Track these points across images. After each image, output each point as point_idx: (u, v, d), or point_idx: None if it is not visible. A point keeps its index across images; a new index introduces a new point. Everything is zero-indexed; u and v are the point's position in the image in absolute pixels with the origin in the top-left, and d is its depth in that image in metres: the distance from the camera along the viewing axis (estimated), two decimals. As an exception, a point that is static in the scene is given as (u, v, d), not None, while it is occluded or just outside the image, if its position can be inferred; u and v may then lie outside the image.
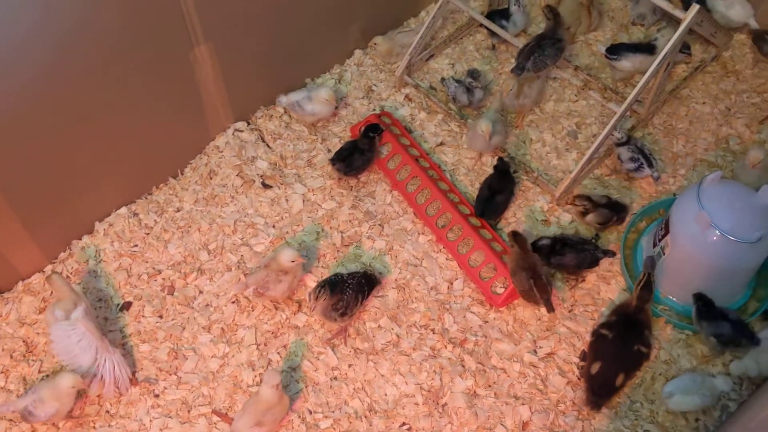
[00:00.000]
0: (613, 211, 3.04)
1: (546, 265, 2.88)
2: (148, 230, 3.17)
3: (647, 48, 3.38)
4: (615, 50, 3.42)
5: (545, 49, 3.07)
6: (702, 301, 2.71)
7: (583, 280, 2.99)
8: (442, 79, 3.50)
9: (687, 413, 2.66)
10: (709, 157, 3.34)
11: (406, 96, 3.62)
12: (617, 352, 2.56)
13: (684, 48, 3.39)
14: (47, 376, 2.76)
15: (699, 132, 3.44)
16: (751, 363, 2.66)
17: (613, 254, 2.94)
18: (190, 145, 3.36)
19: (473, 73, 3.55)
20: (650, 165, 3.15)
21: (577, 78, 3.52)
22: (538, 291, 2.76)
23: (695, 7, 2.81)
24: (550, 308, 2.80)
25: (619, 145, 3.16)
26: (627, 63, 3.39)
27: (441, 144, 3.45)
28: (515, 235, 2.81)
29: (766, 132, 3.39)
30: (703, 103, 3.52)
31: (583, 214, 3.04)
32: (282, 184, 3.29)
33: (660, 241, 2.82)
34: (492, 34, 3.61)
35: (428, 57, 3.70)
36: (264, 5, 3.10)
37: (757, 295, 2.91)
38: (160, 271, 3.05)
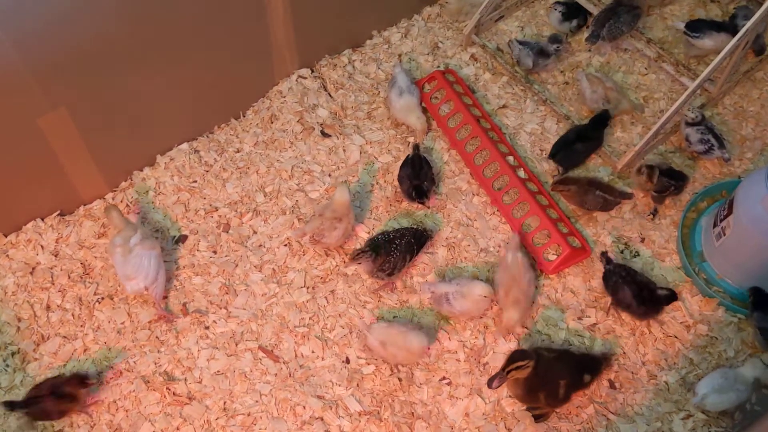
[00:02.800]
0: (672, 179, 2.97)
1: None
2: (208, 168, 3.22)
3: (731, 27, 3.26)
4: (696, 27, 3.31)
5: (621, 16, 3.00)
6: (758, 294, 2.64)
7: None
8: (509, 42, 3.45)
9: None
10: (786, 141, 3.25)
11: (472, 56, 3.58)
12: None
13: (759, 49, 3.30)
14: (102, 299, 2.86)
15: (771, 116, 3.34)
16: None
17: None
18: (255, 87, 3.39)
19: (556, 38, 3.46)
20: (721, 146, 3.06)
21: (649, 50, 3.43)
22: (612, 195, 2.92)
23: (783, -17, 2.71)
24: (627, 195, 2.97)
25: (689, 125, 3.08)
26: (709, 41, 3.27)
27: (503, 107, 3.41)
28: (565, 170, 3.05)
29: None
30: (773, 87, 3.41)
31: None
32: (341, 134, 3.30)
33: (721, 221, 2.76)
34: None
35: (498, 18, 3.64)
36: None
37: (815, 284, 2.84)
38: (216, 209, 3.10)
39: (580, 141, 3.11)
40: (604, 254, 2.78)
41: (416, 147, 3.03)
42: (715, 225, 2.82)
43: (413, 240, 2.82)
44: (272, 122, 3.35)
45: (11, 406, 2.49)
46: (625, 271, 2.73)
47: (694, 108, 3.07)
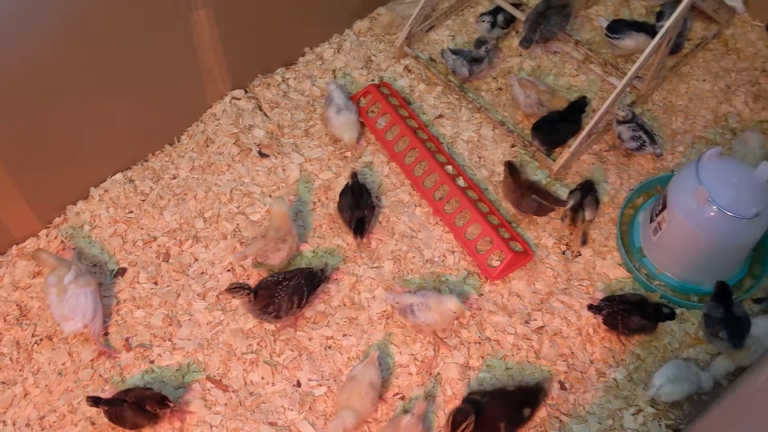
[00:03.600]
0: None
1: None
2: (144, 197, 3.15)
3: (649, 27, 3.34)
4: (616, 28, 3.38)
5: (551, 18, 3.02)
6: (722, 288, 2.63)
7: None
8: (442, 52, 3.47)
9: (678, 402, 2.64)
10: (707, 135, 3.33)
11: (406, 67, 3.59)
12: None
13: (675, 47, 3.38)
14: (41, 340, 2.76)
15: (698, 109, 3.43)
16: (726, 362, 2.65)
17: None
18: (188, 112, 3.33)
19: (481, 43, 3.48)
20: (653, 142, 3.13)
21: (578, 52, 3.49)
22: (547, 201, 2.98)
23: (699, -19, 2.79)
24: (562, 202, 3.01)
25: (620, 123, 3.15)
26: (630, 42, 3.36)
27: (440, 116, 3.43)
28: (511, 167, 3.03)
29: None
30: (704, 80, 3.50)
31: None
32: (279, 154, 3.27)
33: (657, 216, 2.82)
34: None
35: (429, 28, 3.66)
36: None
37: (753, 272, 2.92)
38: (155, 238, 3.04)
39: (561, 122, 3.20)
40: (590, 307, 2.76)
41: (354, 175, 2.99)
42: (651, 220, 2.88)
43: (304, 282, 2.71)
44: (208, 146, 3.30)
45: (96, 401, 2.47)
46: (619, 303, 2.72)
47: (624, 106, 3.13)
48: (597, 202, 3.02)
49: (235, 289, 2.58)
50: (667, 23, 2.91)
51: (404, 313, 2.71)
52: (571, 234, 3.01)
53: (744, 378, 2.35)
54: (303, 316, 2.81)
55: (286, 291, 2.65)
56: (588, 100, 3.28)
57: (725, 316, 2.54)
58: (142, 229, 3.06)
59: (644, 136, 3.13)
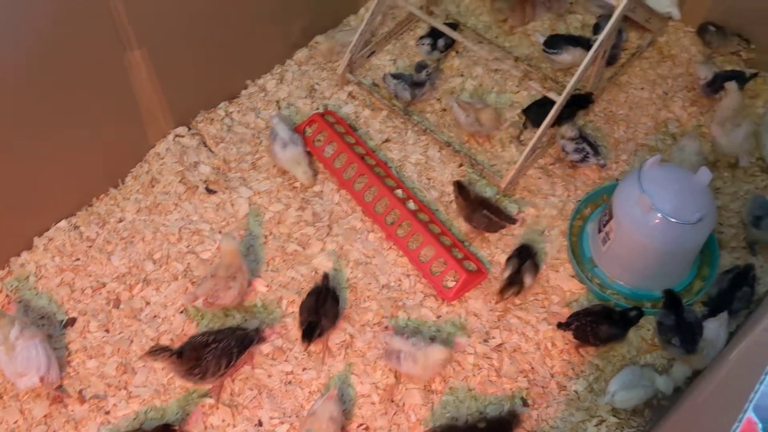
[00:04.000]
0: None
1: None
2: (90, 243, 3.09)
3: (586, 43, 3.40)
4: (553, 43, 3.44)
5: None
6: (669, 295, 2.69)
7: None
8: (384, 77, 3.48)
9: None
10: (649, 142, 3.40)
11: (350, 94, 3.59)
12: None
13: (611, 59, 3.47)
14: (-10, 399, 2.67)
15: (639, 117, 3.50)
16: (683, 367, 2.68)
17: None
18: (130, 153, 3.28)
19: (421, 67, 3.50)
20: (596, 153, 3.18)
21: (517, 69, 3.54)
22: (498, 216, 3.00)
23: (626, -5, 2.86)
24: (512, 219, 3.06)
25: (565, 138, 3.19)
26: (567, 56, 3.42)
27: (386, 141, 3.43)
28: (460, 186, 3.04)
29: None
30: (642, 88, 3.58)
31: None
32: (226, 189, 3.24)
33: (605, 226, 2.86)
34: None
35: (369, 54, 3.68)
36: (198, 7, 3.04)
37: (701, 274, 2.97)
38: (104, 284, 2.97)
39: (550, 105, 3.15)
40: (560, 325, 2.77)
41: (326, 277, 2.84)
42: (599, 230, 2.92)
43: (234, 343, 2.63)
44: (153, 186, 3.25)
45: None
46: (586, 315, 2.74)
47: (572, 125, 3.16)
48: (536, 267, 2.92)
49: (155, 352, 2.48)
50: (601, 36, 2.96)
51: (389, 356, 2.67)
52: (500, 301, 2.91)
53: (698, 383, 2.39)
54: (251, 360, 2.76)
55: (214, 354, 2.57)
56: (592, 97, 3.38)
57: (677, 323, 2.58)
58: (90, 276, 2.99)
59: (588, 148, 3.18)
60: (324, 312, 2.74)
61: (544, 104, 3.23)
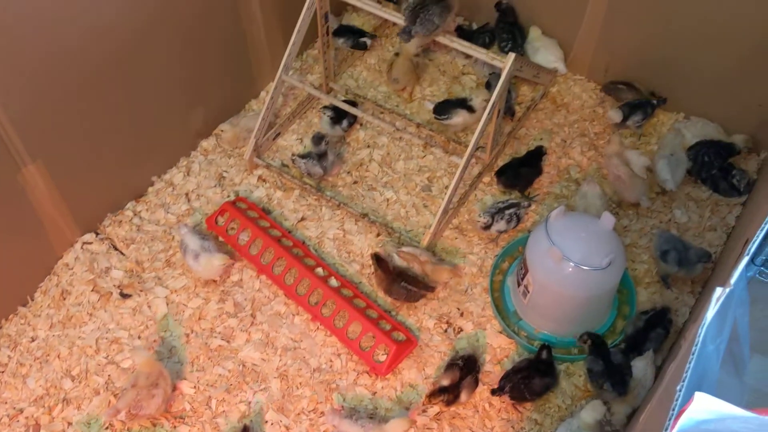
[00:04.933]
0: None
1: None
2: (3, 367, 2.93)
3: (467, 106, 3.53)
4: (442, 109, 3.56)
5: (430, 8, 2.99)
6: (593, 338, 2.76)
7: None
8: (293, 160, 3.50)
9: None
10: (554, 190, 3.51)
11: (260, 177, 3.59)
12: None
13: (508, 111, 3.63)
14: None
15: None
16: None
17: None
18: (37, 268, 3.16)
19: (318, 139, 3.49)
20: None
21: (419, 136, 3.63)
22: (415, 286, 3.01)
23: (511, 56, 2.98)
24: (430, 288, 3.05)
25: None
26: (458, 119, 3.54)
27: (302, 219, 3.43)
28: (377, 258, 3.06)
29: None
30: (541, 139, 3.71)
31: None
32: (142, 291, 3.15)
33: (522, 279, 2.91)
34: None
35: (275, 136, 3.70)
36: (93, 110, 3.00)
37: (622, 313, 3.05)
38: (21, 410, 2.81)
39: (523, 167, 3.39)
40: (494, 391, 2.76)
41: (245, 428, 2.70)
42: (519, 284, 2.97)
43: None
44: (65, 298, 3.13)
45: None
46: (515, 374, 2.76)
47: (484, 213, 3.23)
48: (476, 383, 2.79)
49: None
50: (493, 97, 3.07)
51: None
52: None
53: (632, 425, 2.42)
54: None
55: None
56: (545, 149, 3.50)
57: (605, 368, 2.63)
58: (6, 403, 2.84)
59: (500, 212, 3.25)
60: None
61: (516, 167, 3.41)
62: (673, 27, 3.44)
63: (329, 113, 3.62)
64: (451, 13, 3.08)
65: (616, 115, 3.54)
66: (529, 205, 3.36)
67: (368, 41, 3.95)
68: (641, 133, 3.67)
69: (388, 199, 3.50)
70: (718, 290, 1.42)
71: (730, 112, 3.54)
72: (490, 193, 3.49)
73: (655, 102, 3.61)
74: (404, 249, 3.18)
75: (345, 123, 3.64)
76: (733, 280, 1.45)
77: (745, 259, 1.55)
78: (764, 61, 3.28)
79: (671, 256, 3.00)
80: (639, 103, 3.57)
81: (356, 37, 3.93)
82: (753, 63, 3.31)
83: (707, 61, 3.45)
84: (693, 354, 1.37)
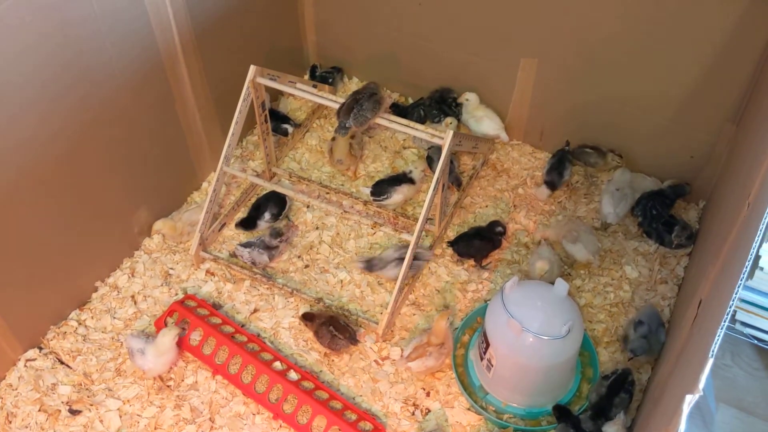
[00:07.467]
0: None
1: None
2: (-57, 507, 2.72)
3: (407, 179, 3.57)
4: (379, 191, 3.58)
5: (363, 104, 3.13)
6: (560, 410, 2.77)
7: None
8: (235, 249, 3.44)
9: None
10: (505, 255, 3.52)
11: (207, 271, 3.50)
12: None
13: (455, 181, 3.69)
14: None
15: (490, 233, 3.64)
16: None
17: None
18: (-24, 392, 2.98)
19: (276, 234, 3.49)
20: None
21: (367, 214, 3.62)
22: (341, 333, 3.07)
23: (450, 134, 3.02)
24: (356, 341, 3.13)
25: None
26: (398, 196, 3.56)
27: (255, 311, 3.35)
28: (305, 317, 3.16)
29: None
30: (486, 206, 3.75)
31: None
32: (92, 405, 2.99)
33: (485, 353, 2.88)
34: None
35: (221, 227, 3.64)
36: (22, 224, 2.89)
37: (586, 376, 3.04)
38: None
39: (476, 238, 3.42)
40: None
41: None
42: (482, 358, 2.94)
43: None
44: (10, 422, 2.95)
45: None
46: None
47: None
48: None
49: None
50: (436, 174, 3.09)
51: None
52: None
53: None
54: None
55: None
56: (502, 227, 3.50)
57: None
58: None
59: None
60: None
61: (471, 237, 3.45)
62: (601, 93, 3.58)
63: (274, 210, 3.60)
64: (382, 107, 3.21)
65: (542, 194, 3.64)
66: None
67: (290, 128, 3.97)
68: (591, 183, 3.79)
69: (341, 281, 3.45)
70: (688, 397, 1.37)
71: (666, 166, 3.66)
72: (443, 264, 3.49)
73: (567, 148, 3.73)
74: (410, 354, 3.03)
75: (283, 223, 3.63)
76: (701, 386, 1.38)
77: (710, 361, 1.45)
78: (690, 118, 3.42)
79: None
80: (561, 161, 3.67)
81: (279, 123, 3.94)
82: (680, 121, 3.46)
83: (638, 121, 3.58)
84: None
